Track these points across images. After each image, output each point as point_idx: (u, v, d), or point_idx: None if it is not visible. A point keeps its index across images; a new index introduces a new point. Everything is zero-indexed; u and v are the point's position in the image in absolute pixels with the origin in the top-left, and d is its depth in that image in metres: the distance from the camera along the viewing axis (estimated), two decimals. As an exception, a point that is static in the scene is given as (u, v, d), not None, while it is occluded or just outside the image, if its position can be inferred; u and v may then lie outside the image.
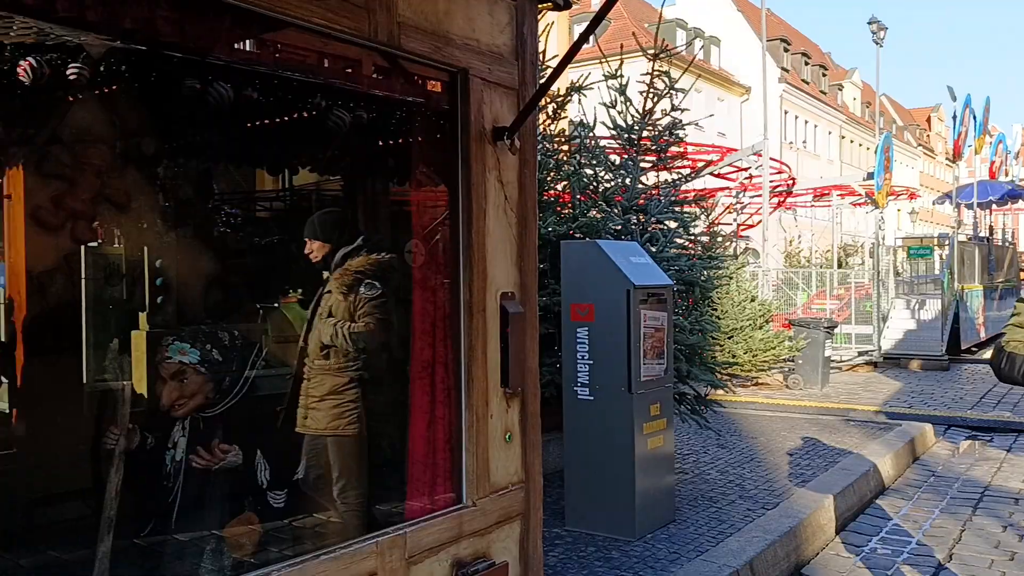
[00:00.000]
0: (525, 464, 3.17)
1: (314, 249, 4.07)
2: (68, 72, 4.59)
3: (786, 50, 48.99)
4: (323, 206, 8.03)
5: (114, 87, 4.84)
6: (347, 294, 3.77)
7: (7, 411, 5.51)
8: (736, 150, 24.40)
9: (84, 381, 5.73)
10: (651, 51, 7.77)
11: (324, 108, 6.06)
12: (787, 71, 48.09)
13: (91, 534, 4.49)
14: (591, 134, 7.53)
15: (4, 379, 6.00)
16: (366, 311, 3.69)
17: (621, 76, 7.61)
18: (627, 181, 7.43)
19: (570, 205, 7.14)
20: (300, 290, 7.17)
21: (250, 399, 3.56)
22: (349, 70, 7.80)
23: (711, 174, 18.26)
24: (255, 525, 3.00)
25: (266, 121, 6.57)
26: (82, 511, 4.44)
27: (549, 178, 7.32)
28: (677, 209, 7.71)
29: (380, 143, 7.92)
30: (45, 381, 4.99)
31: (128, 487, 3.16)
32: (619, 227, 7.14)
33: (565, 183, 7.32)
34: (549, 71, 6.50)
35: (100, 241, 6.16)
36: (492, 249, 2.99)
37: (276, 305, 6.98)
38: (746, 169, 22.79)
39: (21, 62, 4.53)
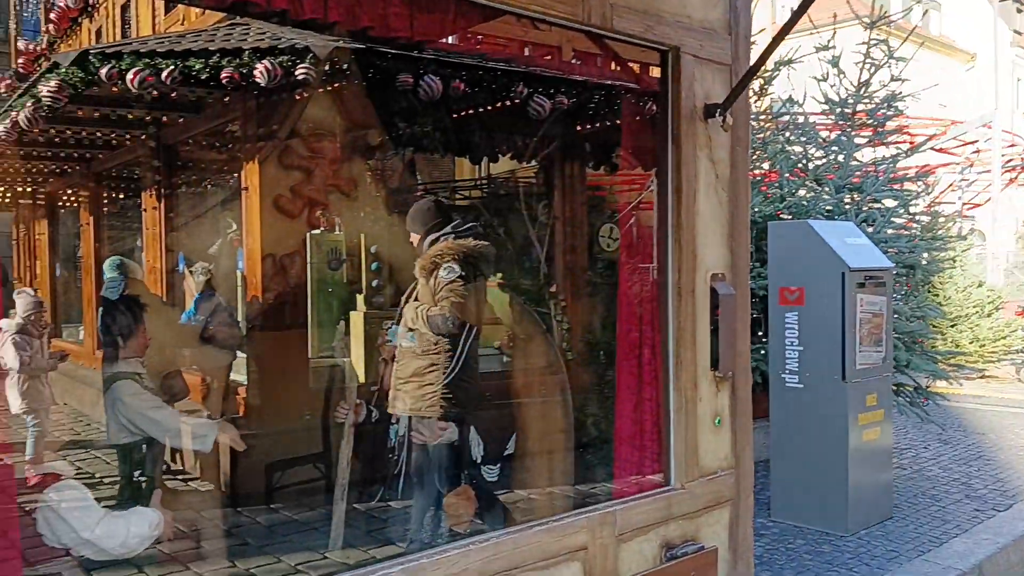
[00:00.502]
0: (735, 449, 3.10)
1: (414, 240, 4.14)
2: (297, 72, 4.99)
3: (1019, 11, 44.09)
4: (519, 192, 8.20)
5: (335, 84, 5.20)
6: (427, 279, 3.78)
7: (244, 382, 6.10)
8: (961, 122, 22.30)
9: (310, 357, 6.23)
10: (867, 20, 7.27)
11: (526, 96, 6.19)
12: (1020, 34, 43.30)
13: (319, 496, 4.89)
14: (800, 109, 7.18)
15: (241, 353, 6.65)
16: (443, 295, 3.64)
17: (833, 47, 7.18)
18: (840, 158, 7.02)
19: (777, 185, 6.86)
20: (500, 274, 7.41)
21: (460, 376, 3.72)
22: (549, 57, 7.89)
23: (933, 149, 16.84)
24: (471, 497, 3.14)
25: (470, 111, 6.82)
26: (312, 475, 4.84)
27: (754, 156, 7.06)
28: (896, 187, 7.20)
29: (578, 128, 8.02)
30: (277, 356, 5.47)
31: (357, 456, 3.41)
32: (831, 207, 6.78)
33: (771, 161, 7.04)
34: (756, 46, 6.27)
35: (323, 228, 6.66)
36: (702, 229, 2.93)
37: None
38: (973, 143, 20.79)
39: (257, 65, 4.97)
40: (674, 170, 2.88)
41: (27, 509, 2.03)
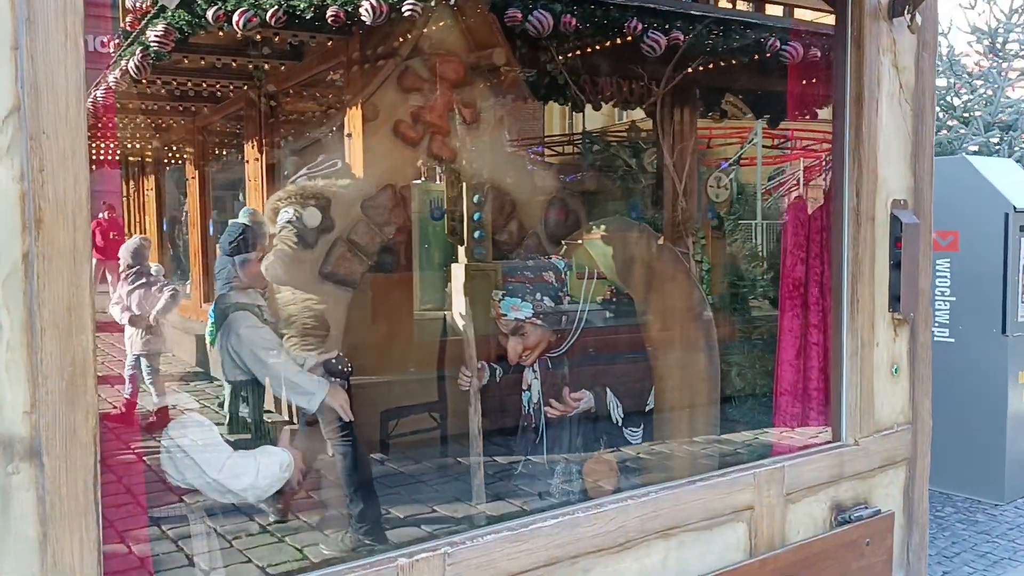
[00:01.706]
0: (913, 402, 2.73)
1: None
2: (403, 8, 4.73)
3: None
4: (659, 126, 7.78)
5: (442, 23, 4.93)
6: (273, 224, 3.55)
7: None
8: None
9: (415, 309, 6.04)
10: (1023, -63, 6.53)
11: (640, 32, 5.77)
12: None
13: (434, 447, 4.72)
14: (943, 39, 6.54)
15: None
16: (274, 242, 3.41)
17: (982, -30, 6.49)
18: (988, 93, 6.36)
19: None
20: (603, 227, 7.07)
21: (588, 331, 3.41)
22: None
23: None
24: (612, 464, 2.87)
25: (578, 52, 6.44)
26: (428, 423, 4.65)
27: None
28: (1052, 125, 6.50)
29: (690, 70, 7.55)
30: (386, 301, 5.31)
31: (488, 419, 3.15)
32: (976, 147, 6.17)
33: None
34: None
35: (424, 178, 6.38)
36: (884, 146, 2.54)
37: (580, 242, 6.93)
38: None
39: (363, 2, 4.73)
40: (853, 77, 2.49)
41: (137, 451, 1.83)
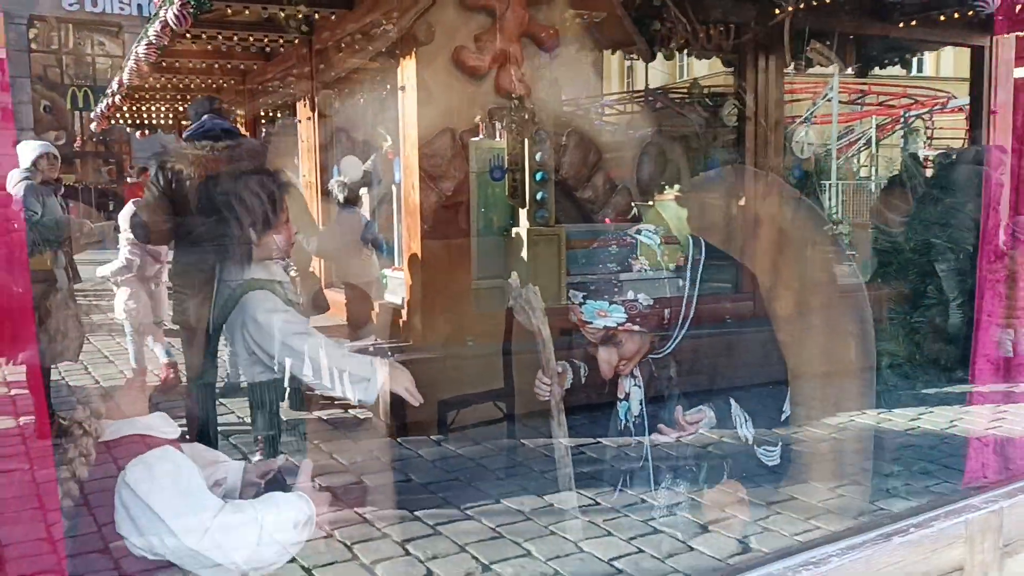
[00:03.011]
0: None
1: None
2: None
3: None
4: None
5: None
6: None
7: (398, 303, 5.46)
8: None
9: (473, 278, 5.48)
10: None
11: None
12: None
13: (499, 428, 4.18)
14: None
15: (391, 273, 5.97)
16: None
17: None
18: None
19: None
20: (676, 186, 6.43)
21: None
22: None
23: None
24: (742, 495, 2.20)
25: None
26: (492, 412, 4.09)
27: None
28: None
29: (777, 12, 6.82)
30: (444, 269, 4.80)
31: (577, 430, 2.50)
32: None
33: None
34: None
35: (483, 135, 5.79)
36: None
37: (651, 203, 6.27)
38: None
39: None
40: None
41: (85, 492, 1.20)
